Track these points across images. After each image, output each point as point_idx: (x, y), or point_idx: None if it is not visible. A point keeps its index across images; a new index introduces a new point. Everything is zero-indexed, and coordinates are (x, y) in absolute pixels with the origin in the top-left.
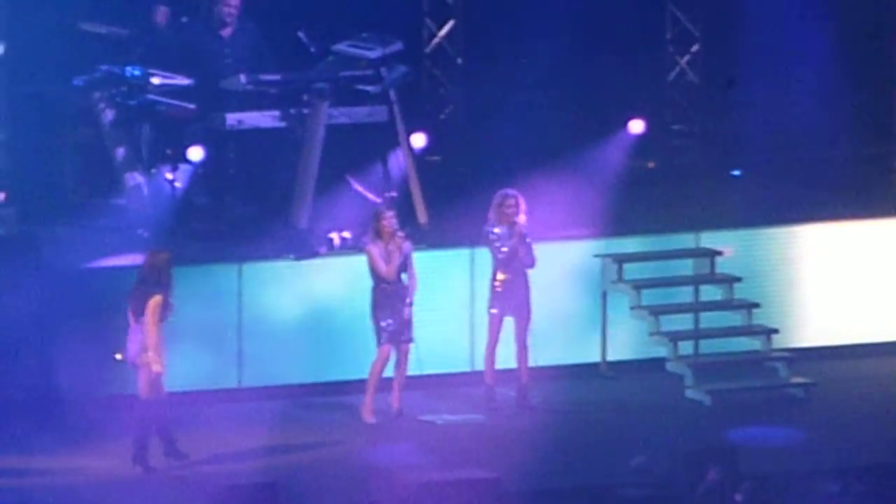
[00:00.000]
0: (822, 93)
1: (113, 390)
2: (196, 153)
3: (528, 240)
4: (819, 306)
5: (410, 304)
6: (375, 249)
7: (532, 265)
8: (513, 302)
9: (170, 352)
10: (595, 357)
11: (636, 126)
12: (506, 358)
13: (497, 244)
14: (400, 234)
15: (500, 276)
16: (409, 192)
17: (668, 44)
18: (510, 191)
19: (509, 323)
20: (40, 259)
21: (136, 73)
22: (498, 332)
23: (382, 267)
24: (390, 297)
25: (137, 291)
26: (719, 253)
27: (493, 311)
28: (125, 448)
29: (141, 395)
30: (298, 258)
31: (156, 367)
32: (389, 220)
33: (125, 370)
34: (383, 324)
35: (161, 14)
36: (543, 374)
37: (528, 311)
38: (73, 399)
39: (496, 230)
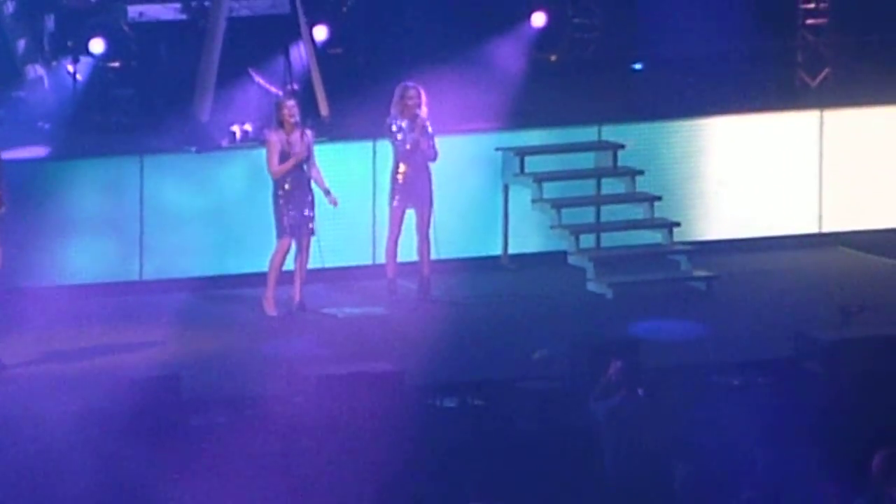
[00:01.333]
0: None
1: (23, 281)
2: (97, 45)
3: (430, 132)
4: (720, 200)
5: (327, 193)
6: (275, 138)
7: (434, 158)
8: (414, 195)
9: (72, 244)
10: (497, 250)
11: (538, 19)
12: (407, 251)
13: (399, 137)
14: (299, 124)
15: (401, 169)
16: (311, 85)
17: None
18: (411, 83)
19: (411, 216)
20: None
21: None
22: (399, 224)
23: (275, 162)
24: (292, 188)
25: None
26: (621, 146)
27: (395, 203)
28: (37, 342)
29: None
30: (200, 151)
31: None
32: (290, 108)
33: (33, 262)
34: (284, 216)
35: None
36: (445, 266)
37: (430, 204)
38: None
39: (398, 123)
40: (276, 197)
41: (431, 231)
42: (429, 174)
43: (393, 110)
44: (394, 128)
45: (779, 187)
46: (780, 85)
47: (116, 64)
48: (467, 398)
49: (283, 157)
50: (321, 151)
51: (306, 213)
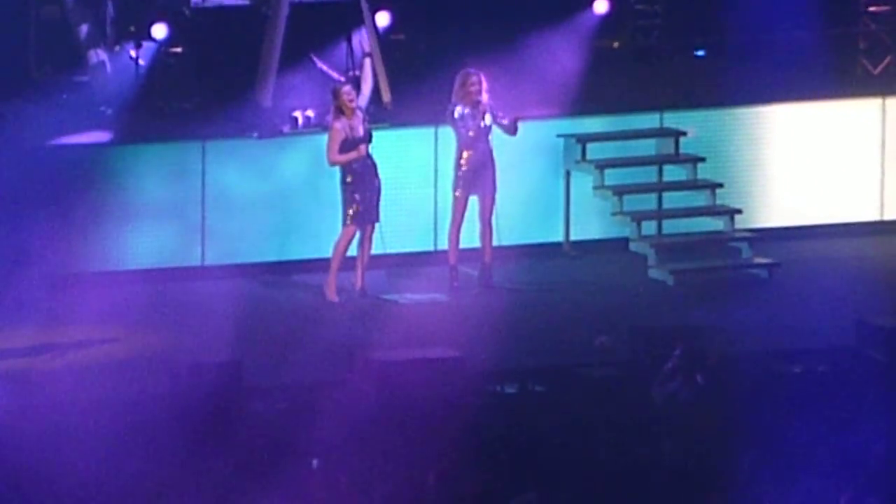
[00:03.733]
0: None
1: (84, 267)
2: (160, 31)
3: (499, 114)
4: (783, 187)
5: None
6: (339, 125)
7: (514, 132)
8: (478, 182)
9: (134, 230)
10: (558, 237)
11: (600, 6)
12: (469, 237)
13: (461, 124)
14: (360, 108)
15: (465, 156)
16: (374, 71)
17: None
18: (472, 70)
19: (473, 203)
20: (5, 136)
21: None
22: (463, 212)
23: (335, 150)
24: (359, 175)
25: None
26: (683, 133)
27: (458, 192)
28: (101, 327)
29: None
30: (262, 136)
31: None
32: (348, 93)
33: (95, 247)
34: (353, 202)
35: None
36: (507, 253)
37: (494, 191)
38: (40, 275)
39: (460, 110)
40: (344, 184)
41: (494, 218)
42: (492, 161)
43: (455, 97)
44: (456, 115)
45: (841, 175)
46: (842, 72)
47: (179, 49)
48: (528, 384)
49: (347, 144)
50: (383, 137)
51: (373, 200)
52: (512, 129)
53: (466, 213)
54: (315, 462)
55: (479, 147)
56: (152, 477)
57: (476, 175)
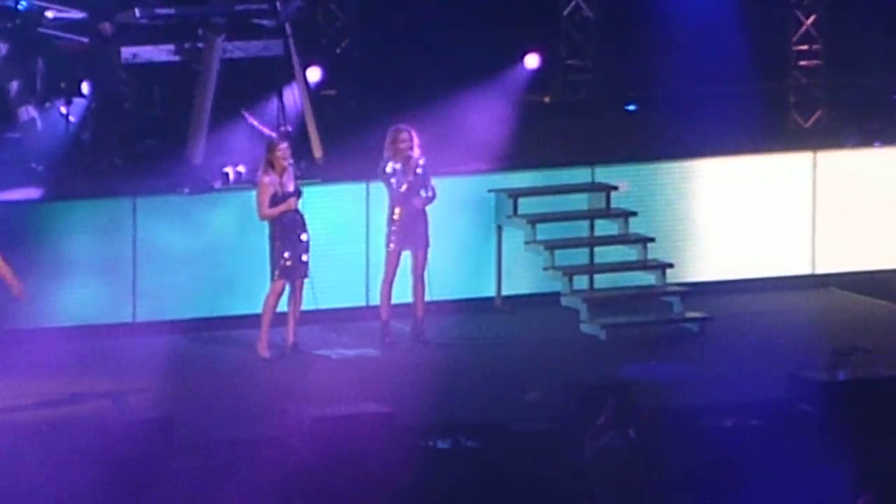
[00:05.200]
0: (718, 28)
1: (13, 323)
2: (87, 87)
3: (424, 174)
4: (714, 241)
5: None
6: (268, 179)
7: (432, 199)
8: (411, 237)
9: (65, 286)
10: (490, 292)
11: (531, 60)
12: (401, 292)
13: (393, 180)
14: (291, 166)
15: (397, 212)
16: (305, 127)
17: None
18: (403, 126)
19: (405, 257)
20: None
21: (29, 5)
22: (396, 267)
23: (265, 204)
24: (288, 230)
25: None
26: (614, 187)
27: (392, 246)
28: (28, 384)
29: None
30: (193, 192)
31: None
32: (284, 150)
33: (25, 303)
34: (280, 257)
35: None
36: (439, 308)
37: (427, 246)
38: None
39: (392, 166)
40: (272, 239)
41: (426, 273)
42: (425, 216)
43: (386, 153)
44: (388, 170)
45: (772, 228)
46: (773, 126)
47: (108, 105)
48: (461, 440)
49: (276, 199)
50: (315, 193)
51: (302, 255)
52: (429, 195)
53: (399, 269)
54: None
55: (411, 202)
56: None
57: (408, 230)
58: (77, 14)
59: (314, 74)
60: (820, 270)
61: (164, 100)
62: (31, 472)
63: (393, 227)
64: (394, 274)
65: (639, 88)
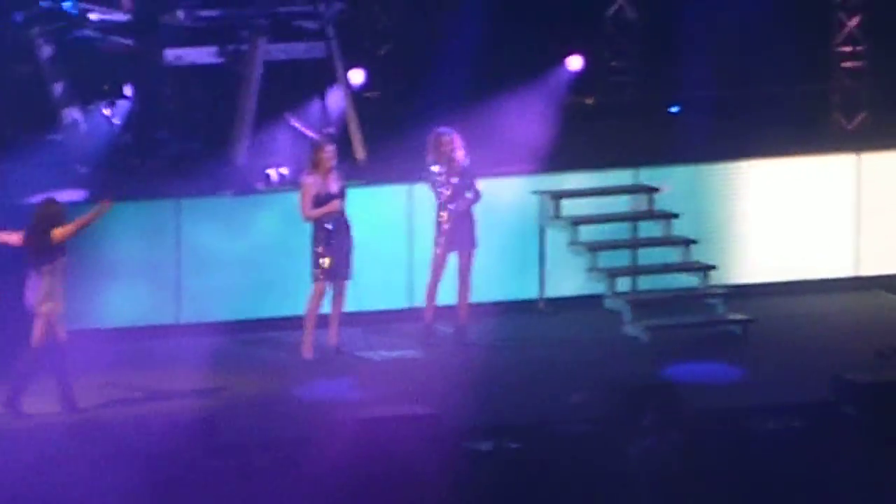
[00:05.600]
0: (761, 30)
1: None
2: (131, 89)
3: (469, 175)
4: (756, 243)
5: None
6: (311, 180)
7: (476, 200)
8: (458, 239)
9: (108, 288)
10: (533, 293)
11: (574, 62)
12: (444, 294)
13: (438, 183)
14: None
15: (444, 215)
16: (347, 129)
17: None
18: (444, 129)
19: (451, 258)
20: None
21: (74, 8)
22: (442, 269)
23: (308, 206)
24: (331, 232)
25: (34, 239)
26: (657, 189)
27: (439, 249)
28: (83, 389)
29: (34, 342)
30: (236, 194)
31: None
32: (329, 152)
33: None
34: (322, 260)
35: None
36: (482, 310)
37: (473, 247)
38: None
39: (435, 169)
40: (315, 240)
41: (471, 275)
42: (471, 218)
43: (430, 156)
44: (432, 174)
45: (815, 230)
46: (816, 128)
47: (153, 107)
48: (504, 441)
49: (319, 200)
50: (357, 195)
51: (345, 257)
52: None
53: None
54: None
55: (456, 204)
56: None
57: (455, 232)
58: (121, 16)
59: (357, 77)
60: (864, 272)
61: (207, 102)
62: (75, 471)
63: (440, 230)
64: (440, 276)
65: (682, 90)
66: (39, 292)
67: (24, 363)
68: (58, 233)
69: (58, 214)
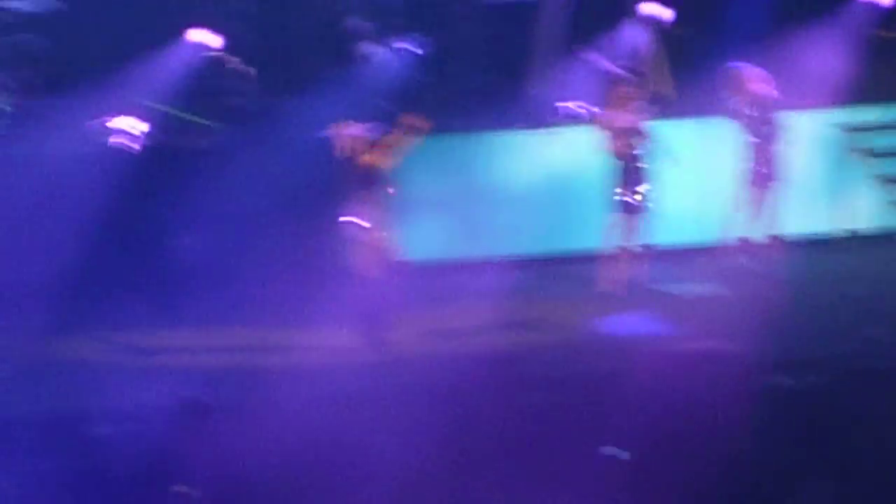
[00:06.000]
0: None
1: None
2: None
3: (769, 109)
4: None
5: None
6: (609, 115)
7: (777, 135)
8: (762, 173)
9: (407, 223)
10: (834, 227)
11: None
12: (748, 228)
13: (740, 117)
14: (634, 102)
15: (750, 149)
16: (652, 64)
17: None
18: (738, 64)
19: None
20: (288, 132)
21: None
22: (753, 204)
23: (606, 140)
24: (628, 166)
25: (352, 168)
26: None
27: (750, 184)
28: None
29: (363, 272)
30: (532, 128)
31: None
32: (629, 87)
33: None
34: (620, 193)
35: None
36: (787, 245)
37: (777, 181)
38: (321, 269)
39: (734, 104)
40: (613, 175)
41: (777, 208)
42: (775, 152)
43: (728, 92)
44: (733, 109)
45: None
46: None
47: (450, 43)
48: (807, 377)
49: (617, 134)
50: (658, 130)
51: (642, 189)
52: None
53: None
54: (617, 453)
55: (761, 139)
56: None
57: (759, 167)
58: None
59: (665, 13)
60: None
61: (509, 38)
62: (382, 410)
63: (748, 165)
64: (752, 211)
65: None
66: (363, 221)
67: (363, 298)
68: (367, 158)
69: (366, 141)
